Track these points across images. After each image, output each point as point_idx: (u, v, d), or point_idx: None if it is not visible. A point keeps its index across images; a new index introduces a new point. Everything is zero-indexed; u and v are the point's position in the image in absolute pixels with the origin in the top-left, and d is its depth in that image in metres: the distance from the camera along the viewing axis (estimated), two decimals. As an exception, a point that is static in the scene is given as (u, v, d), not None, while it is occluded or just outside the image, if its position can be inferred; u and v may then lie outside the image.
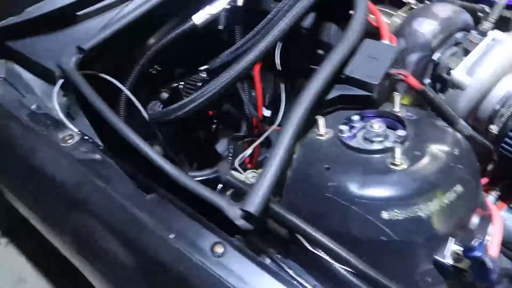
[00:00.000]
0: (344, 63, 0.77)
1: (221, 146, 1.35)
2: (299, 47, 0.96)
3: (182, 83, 1.01)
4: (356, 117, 0.75)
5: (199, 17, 0.92)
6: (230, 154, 1.07)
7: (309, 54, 1.02)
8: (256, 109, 1.15)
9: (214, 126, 1.25)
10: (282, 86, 0.97)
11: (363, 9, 0.79)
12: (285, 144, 0.68)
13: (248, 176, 0.80)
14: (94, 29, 0.93)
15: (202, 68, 1.05)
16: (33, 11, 0.91)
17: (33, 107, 0.88)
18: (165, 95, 1.01)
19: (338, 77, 0.76)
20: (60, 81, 0.87)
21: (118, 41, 0.90)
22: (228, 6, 0.95)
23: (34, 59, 0.91)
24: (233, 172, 0.78)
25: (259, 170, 0.85)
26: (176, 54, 1.00)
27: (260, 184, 0.64)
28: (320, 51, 1.00)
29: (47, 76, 0.92)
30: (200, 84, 0.95)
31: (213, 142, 1.29)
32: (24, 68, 0.94)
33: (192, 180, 0.68)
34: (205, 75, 0.98)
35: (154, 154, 0.71)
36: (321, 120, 0.73)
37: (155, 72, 1.04)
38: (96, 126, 0.89)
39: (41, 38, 0.92)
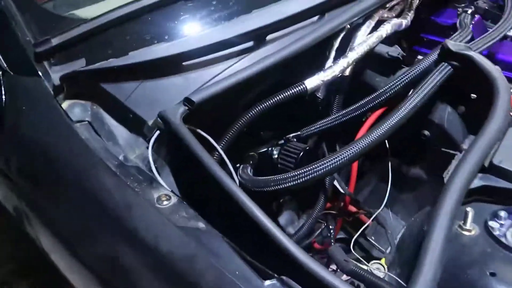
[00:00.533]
0: (489, 152, 0.69)
1: (283, 218, 1.24)
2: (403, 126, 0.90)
3: (273, 149, 0.93)
4: (503, 213, 0.66)
5: (311, 82, 0.86)
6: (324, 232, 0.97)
7: (412, 134, 0.95)
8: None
9: (283, 199, 1.16)
10: (389, 166, 0.90)
11: (506, 95, 0.73)
12: (440, 240, 0.58)
13: (373, 266, 0.70)
14: (194, 81, 0.86)
15: (291, 135, 0.97)
16: (136, 55, 0.84)
17: (121, 157, 0.79)
18: (255, 159, 0.92)
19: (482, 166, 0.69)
20: (157, 133, 0.79)
21: (222, 98, 0.83)
22: (338, 75, 0.89)
23: (126, 104, 0.83)
24: (353, 261, 0.68)
25: (382, 260, 0.74)
26: (268, 116, 0.92)
27: (422, 282, 0.54)
28: (426, 132, 0.93)
29: (135, 125, 0.83)
30: (301, 154, 0.86)
31: (278, 213, 1.18)
32: (110, 114, 0.86)
33: (330, 274, 0.57)
34: (303, 145, 0.90)
35: (283, 237, 0.60)
36: (471, 213, 0.64)
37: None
38: (186, 188, 0.80)
39: (138, 84, 0.84)
